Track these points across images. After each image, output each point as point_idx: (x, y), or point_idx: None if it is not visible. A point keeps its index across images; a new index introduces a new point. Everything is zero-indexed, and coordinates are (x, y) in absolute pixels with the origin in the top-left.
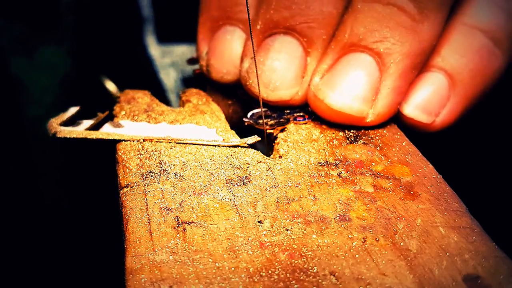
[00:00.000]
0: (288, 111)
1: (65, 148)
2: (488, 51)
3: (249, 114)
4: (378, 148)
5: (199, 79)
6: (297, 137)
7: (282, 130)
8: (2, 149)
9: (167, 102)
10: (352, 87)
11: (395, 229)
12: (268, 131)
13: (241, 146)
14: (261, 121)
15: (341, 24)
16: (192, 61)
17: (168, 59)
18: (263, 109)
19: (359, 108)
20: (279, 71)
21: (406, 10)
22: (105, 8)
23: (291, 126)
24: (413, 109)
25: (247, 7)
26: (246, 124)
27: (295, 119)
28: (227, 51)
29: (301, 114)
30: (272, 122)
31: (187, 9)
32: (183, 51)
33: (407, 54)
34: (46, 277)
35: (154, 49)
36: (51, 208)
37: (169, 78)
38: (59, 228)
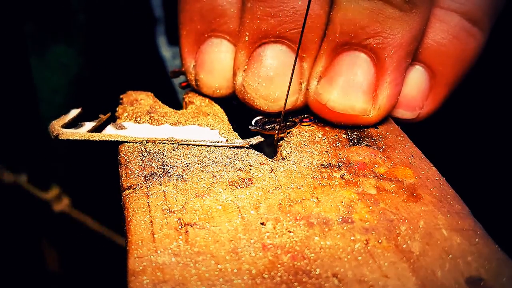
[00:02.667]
0: (290, 116)
1: (73, 149)
2: (467, 33)
3: (253, 121)
4: (381, 150)
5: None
6: (300, 139)
7: (288, 133)
8: (12, 148)
9: (177, 104)
10: (351, 88)
11: (397, 231)
12: (279, 135)
13: (244, 147)
14: (267, 127)
15: (330, 24)
16: (175, 73)
17: (179, 61)
18: (260, 117)
19: (362, 107)
20: (276, 81)
21: (393, 2)
22: (117, 7)
23: (294, 128)
24: (401, 111)
25: (304, 22)
26: (252, 131)
27: (301, 121)
28: (216, 65)
29: (305, 115)
30: (281, 125)
31: None
32: None
33: (400, 45)
34: (48, 277)
35: (166, 50)
36: (40, 241)
37: (180, 80)
38: (61, 228)
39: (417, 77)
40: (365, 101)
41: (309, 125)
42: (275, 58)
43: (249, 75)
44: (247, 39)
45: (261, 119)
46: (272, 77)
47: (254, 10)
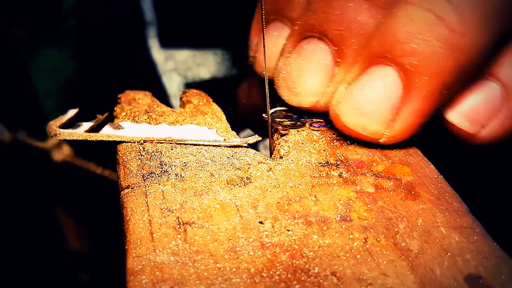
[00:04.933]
0: (306, 116)
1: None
2: None
3: (271, 110)
4: (378, 148)
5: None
6: (298, 138)
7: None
8: (5, 151)
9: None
10: (369, 106)
11: (396, 229)
12: (282, 131)
13: (242, 146)
14: (278, 120)
15: (376, 33)
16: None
17: (171, 64)
18: (281, 108)
19: (374, 129)
20: (304, 77)
21: (446, 19)
22: (108, 11)
23: (301, 129)
24: (457, 116)
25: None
26: (264, 119)
27: (311, 124)
28: (272, 48)
29: (319, 120)
30: (288, 123)
31: (190, 13)
32: (185, 55)
33: (438, 72)
34: (47, 278)
35: (157, 53)
36: (53, 210)
37: (172, 83)
38: (60, 229)
39: (490, 92)
40: (379, 124)
41: (317, 130)
42: (313, 54)
43: (285, 62)
44: (296, 29)
45: (280, 111)
46: (302, 71)
47: (311, 2)
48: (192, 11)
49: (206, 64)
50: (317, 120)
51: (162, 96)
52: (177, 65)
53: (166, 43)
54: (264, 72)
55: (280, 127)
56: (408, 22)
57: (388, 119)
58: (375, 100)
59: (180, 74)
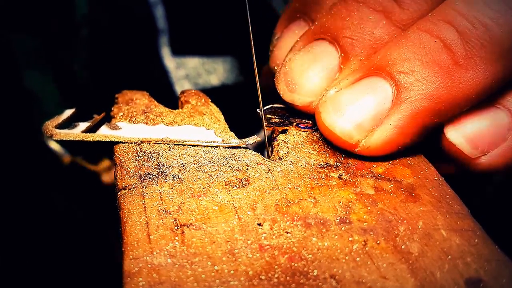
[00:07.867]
0: (297, 116)
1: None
2: None
3: (265, 107)
4: None
5: None
6: (297, 139)
7: (282, 132)
8: (16, 161)
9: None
10: (352, 109)
11: (396, 232)
12: (266, 129)
13: (241, 147)
14: (268, 116)
15: (384, 46)
16: None
17: (183, 71)
18: (277, 105)
19: (350, 133)
20: (305, 76)
21: (452, 49)
22: (120, 20)
23: (288, 128)
24: (458, 136)
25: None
26: (257, 113)
27: (297, 124)
28: (289, 44)
29: (307, 121)
30: (276, 120)
31: (201, 21)
32: (195, 63)
33: (428, 96)
34: (45, 279)
35: (169, 61)
36: (54, 213)
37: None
38: (58, 230)
39: (497, 120)
40: (357, 128)
41: (303, 131)
42: (320, 56)
43: (291, 58)
44: (312, 29)
45: (276, 108)
46: (305, 70)
47: (334, 7)
48: (203, 19)
49: (216, 71)
50: (305, 121)
51: (174, 104)
52: (188, 73)
53: (177, 51)
54: (256, 72)
55: (266, 123)
56: (417, 44)
57: (367, 127)
58: (359, 105)
59: (191, 81)
